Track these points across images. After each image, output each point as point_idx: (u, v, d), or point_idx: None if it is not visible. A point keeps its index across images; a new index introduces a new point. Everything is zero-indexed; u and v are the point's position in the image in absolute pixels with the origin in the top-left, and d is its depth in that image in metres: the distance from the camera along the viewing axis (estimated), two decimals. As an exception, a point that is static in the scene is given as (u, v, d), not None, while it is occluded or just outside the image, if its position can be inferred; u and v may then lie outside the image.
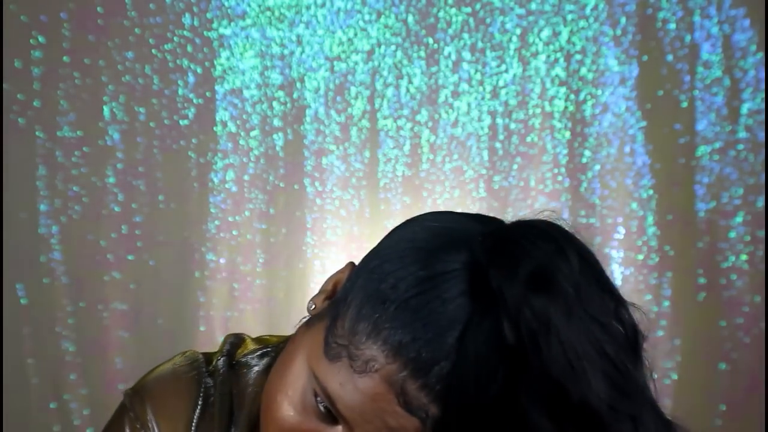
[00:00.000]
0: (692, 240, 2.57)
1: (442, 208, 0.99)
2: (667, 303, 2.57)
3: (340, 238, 2.58)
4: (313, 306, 0.94)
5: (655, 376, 0.92)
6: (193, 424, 1.02)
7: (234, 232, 2.60)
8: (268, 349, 1.06)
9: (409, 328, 0.85)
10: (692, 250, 2.57)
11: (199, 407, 1.02)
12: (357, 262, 0.94)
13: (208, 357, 1.06)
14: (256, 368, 1.05)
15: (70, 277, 2.56)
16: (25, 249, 2.55)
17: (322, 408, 0.89)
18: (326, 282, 0.95)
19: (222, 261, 2.59)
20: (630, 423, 0.84)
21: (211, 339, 2.52)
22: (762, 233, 2.54)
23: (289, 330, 1.06)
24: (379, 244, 0.92)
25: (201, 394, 1.03)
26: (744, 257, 2.56)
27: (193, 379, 1.03)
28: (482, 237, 0.88)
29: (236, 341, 1.07)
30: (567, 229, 0.89)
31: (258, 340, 1.09)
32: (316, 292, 0.96)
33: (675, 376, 2.54)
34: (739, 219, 2.56)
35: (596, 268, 0.87)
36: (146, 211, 2.58)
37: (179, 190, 2.60)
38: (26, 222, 2.55)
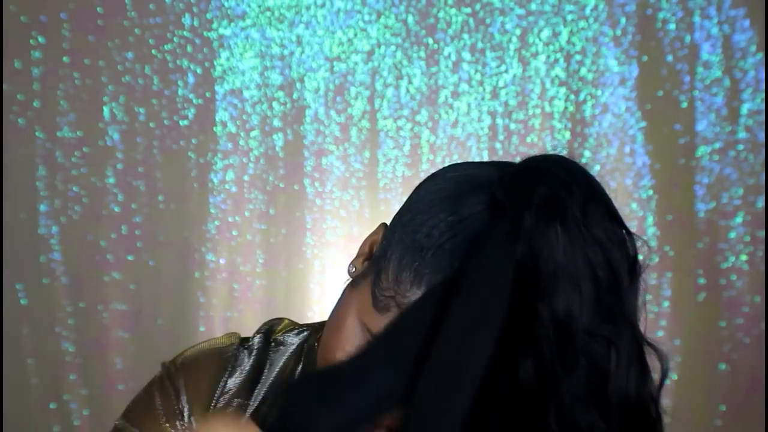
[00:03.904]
0: (692, 240, 2.57)
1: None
2: (666, 303, 2.57)
3: (340, 239, 2.58)
4: (354, 269, 1.01)
5: (649, 298, 0.95)
6: (219, 387, 1.09)
7: (234, 233, 2.60)
8: (304, 328, 1.14)
9: (448, 270, 0.90)
10: (692, 251, 2.57)
11: (227, 373, 1.10)
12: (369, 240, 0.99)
13: (247, 338, 1.14)
14: (292, 345, 1.13)
15: (70, 277, 2.56)
16: (25, 249, 2.55)
17: None
18: (362, 245, 1.02)
19: (222, 261, 2.59)
20: (605, 346, 0.87)
21: (211, 339, 2.52)
22: (762, 233, 2.54)
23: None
24: (407, 200, 0.99)
25: (231, 364, 1.10)
26: (744, 257, 2.56)
27: (226, 350, 1.12)
28: (499, 177, 0.94)
29: (276, 321, 1.15)
30: (577, 162, 0.94)
31: (296, 323, 1.16)
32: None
33: (675, 377, 2.54)
34: (739, 219, 2.56)
35: (604, 197, 0.93)
36: (146, 211, 2.58)
37: (179, 190, 2.60)
38: (26, 222, 2.55)
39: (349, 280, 1.01)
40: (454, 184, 0.97)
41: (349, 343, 0.97)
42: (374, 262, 0.98)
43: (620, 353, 0.88)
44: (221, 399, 1.09)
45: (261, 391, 1.10)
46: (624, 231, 0.92)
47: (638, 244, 0.93)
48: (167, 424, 1.09)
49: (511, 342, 0.86)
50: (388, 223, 1.00)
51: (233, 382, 1.10)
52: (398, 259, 0.95)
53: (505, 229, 0.88)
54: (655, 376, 0.94)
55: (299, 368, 1.11)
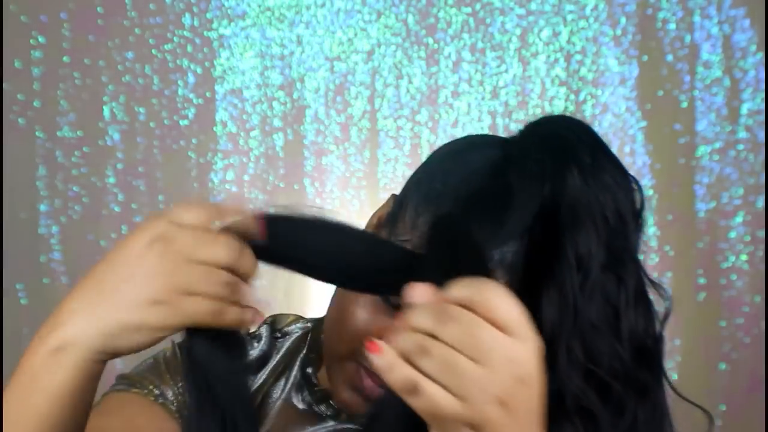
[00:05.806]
0: (692, 240, 2.57)
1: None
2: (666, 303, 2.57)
3: (340, 238, 2.58)
4: None
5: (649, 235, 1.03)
6: None
7: (234, 232, 2.59)
8: (308, 321, 1.19)
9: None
10: (692, 250, 2.57)
11: None
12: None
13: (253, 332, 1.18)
14: (296, 332, 1.17)
15: (70, 277, 2.56)
16: (25, 249, 2.55)
17: (390, 302, 0.98)
18: (370, 218, 1.07)
19: (222, 261, 2.59)
20: (615, 280, 0.93)
21: (211, 339, 2.52)
22: (762, 233, 2.54)
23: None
24: (414, 172, 1.03)
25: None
26: (744, 257, 2.55)
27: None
28: (507, 138, 1.02)
29: (283, 316, 1.20)
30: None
31: (301, 317, 1.21)
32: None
33: (675, 376, 2.54)
34: (739, 219, 2.56)
35: (608, 148, 0.99)
36: (146, 211, 2.58)
37: (179, 190, 2.60)
38: (26, 222, 2.55)
39: None
40: (466, 143, 1.03)
41: (363, 298, 1.00)
42: (389, 218, 1.01)
43: (628, 290, 0.95)
44: None
45: (265, 373, 1.13)
46: (628, 179, 0.98)
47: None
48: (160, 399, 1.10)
49: (536, 275, 0.92)
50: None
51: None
52: (414, 207, 0.97)
53: (531, 168, 0.94)
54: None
55: (305, 347, 1.14)
